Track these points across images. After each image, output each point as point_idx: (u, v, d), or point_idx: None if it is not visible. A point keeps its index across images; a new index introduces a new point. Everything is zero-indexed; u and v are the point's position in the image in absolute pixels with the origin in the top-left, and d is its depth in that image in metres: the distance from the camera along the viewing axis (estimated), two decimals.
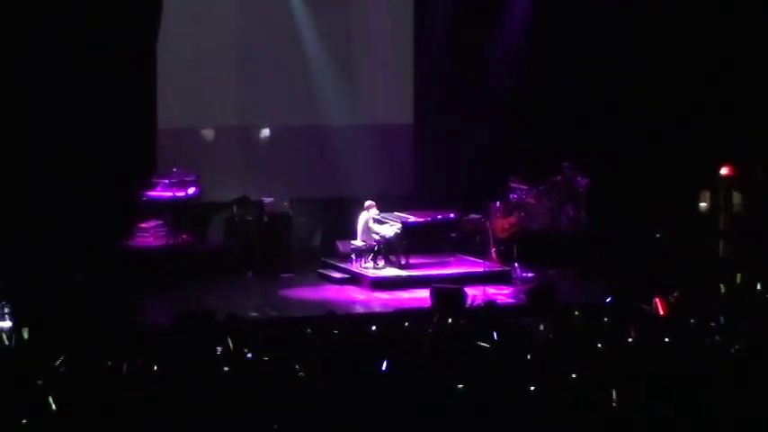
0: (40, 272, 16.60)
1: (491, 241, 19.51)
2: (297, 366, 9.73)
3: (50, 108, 17.58)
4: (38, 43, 17.37)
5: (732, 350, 10.33)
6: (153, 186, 19.47)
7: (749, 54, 19.94)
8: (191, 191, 19.67)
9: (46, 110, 17.56)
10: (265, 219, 19.67)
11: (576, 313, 12.85)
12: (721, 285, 14.71)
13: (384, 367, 9.17)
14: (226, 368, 9.87)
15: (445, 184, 20.74)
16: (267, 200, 19.85)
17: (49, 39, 17.40)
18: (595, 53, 20.63)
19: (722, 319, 11.83)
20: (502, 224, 19.86)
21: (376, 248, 18.86)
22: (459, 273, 18.60)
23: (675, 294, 13.49)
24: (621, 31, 20.40)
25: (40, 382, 9.17)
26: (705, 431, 8.46)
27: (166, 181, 19.50)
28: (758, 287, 14.00)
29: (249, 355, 10.48)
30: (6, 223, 17.16)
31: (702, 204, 20.75)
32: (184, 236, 19.54)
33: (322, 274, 19.16)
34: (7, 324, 14.13)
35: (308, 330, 12.06)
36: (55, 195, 17.57)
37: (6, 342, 11.19)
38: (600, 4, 20.54)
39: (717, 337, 11.02)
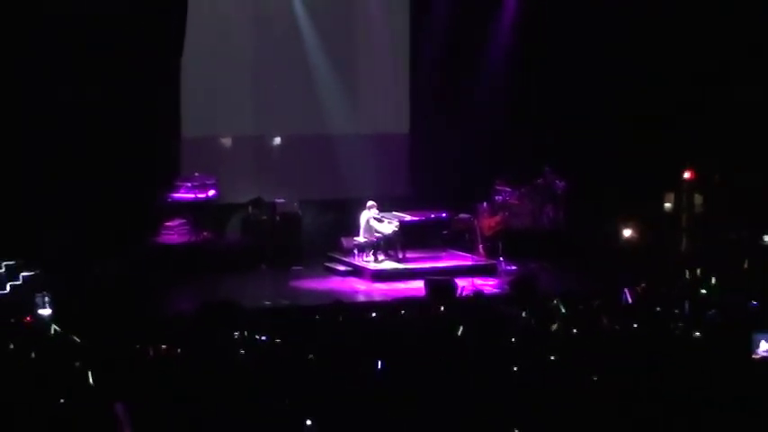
0: (77, 265, 16.60)
1: (479, 238, 19.52)
2: (306, 348, 9.74)
3: (88, 119, 17.66)
4: (78, 63, 17.43)
5: (693, 335, 10.36)
6: (177, 189, 19.52)
7: (712, 67, 19.97)
8: (211, 193, 19.70)
9: (83, 121, 17.63)
10: (277, 218, 19.67)
11: (555, 302, 12.85)
12: (683, 278, 14.72)
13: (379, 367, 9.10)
14: (242, 351, 9.90)
15: (438, 186, 20.72)
16: (279, 201, 19.87)
17: (90, 59, 17.47)
18: (569, 65, 20.62)
19: (685, 308, 11.84)
20: (488, 223, 19.87)
21: (376, 244, 18.88)
22: (450, 266, 18.64)
23: (642, 285, 13.49)
24: (593, 43, 20.36)
25: (77, 363, 9.19)
26: (671, 407, 8.48)
27: (189, 184, 19.56)
28: (714, 280, 14.01)
29: (263, 338, 10.50)
30: (48, 222, 17.21)
31: (667, 205, 20.81)
32: (205, 233, 19.56)
33: (328, 267, 19.13)
34: (47, 312, 14.12)
35: (317, 317, 12.07)
36: (91, 197, 17.61)
37: (52, 331, 11.17)
38: (571, 16, 20.50)
39: (680, 324, 11.04)
